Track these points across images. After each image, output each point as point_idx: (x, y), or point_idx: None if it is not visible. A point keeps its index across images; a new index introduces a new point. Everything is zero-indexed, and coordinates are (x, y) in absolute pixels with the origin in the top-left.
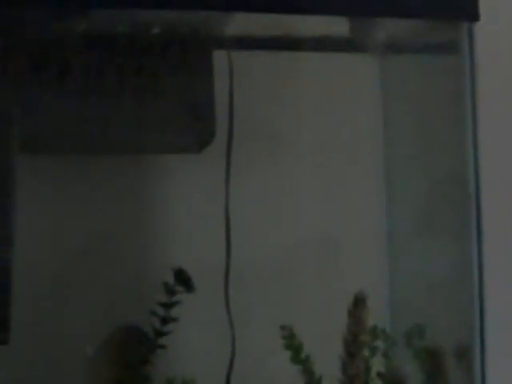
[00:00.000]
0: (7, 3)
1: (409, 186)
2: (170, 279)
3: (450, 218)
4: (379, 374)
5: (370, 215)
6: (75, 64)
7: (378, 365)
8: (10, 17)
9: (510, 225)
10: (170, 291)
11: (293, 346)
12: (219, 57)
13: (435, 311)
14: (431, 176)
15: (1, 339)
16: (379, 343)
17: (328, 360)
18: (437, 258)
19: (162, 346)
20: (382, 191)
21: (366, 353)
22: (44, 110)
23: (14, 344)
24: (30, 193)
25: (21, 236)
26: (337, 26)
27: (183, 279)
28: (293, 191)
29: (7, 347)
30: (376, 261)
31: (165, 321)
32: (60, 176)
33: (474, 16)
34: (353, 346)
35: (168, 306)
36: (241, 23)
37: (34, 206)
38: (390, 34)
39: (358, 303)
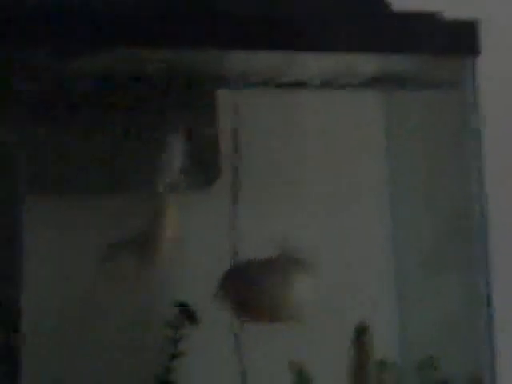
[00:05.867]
0: (11, 43)
1: (416, 222)
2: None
3: (458, 252)
4: None
5: (378, 250)
6: (79, 103)
7: None
8: (15, 56)
9: None
10: (175, 326)
11: (301, 381)
12: (223, 95)
13: (445, 345)
14: (438, 211)
15: None
16: (388, 376)
17: None
18: (446, 292)
19: (171, 383)
20: (390, 227)
21: None
22: (49, 149)
23: None
24: (33, 233)
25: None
26: (341, 62)
27: (187, 313)
28: (298, 227)
29: None
30: (385, 295)
31: (173, 356)
32: (66, 215)
33: (475, 50)
34: (359, 379)
35: (175, 341)
36: (244, 61)
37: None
38: (393, 69)
39: (361, 333)
